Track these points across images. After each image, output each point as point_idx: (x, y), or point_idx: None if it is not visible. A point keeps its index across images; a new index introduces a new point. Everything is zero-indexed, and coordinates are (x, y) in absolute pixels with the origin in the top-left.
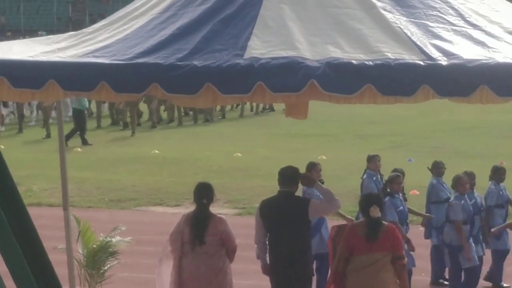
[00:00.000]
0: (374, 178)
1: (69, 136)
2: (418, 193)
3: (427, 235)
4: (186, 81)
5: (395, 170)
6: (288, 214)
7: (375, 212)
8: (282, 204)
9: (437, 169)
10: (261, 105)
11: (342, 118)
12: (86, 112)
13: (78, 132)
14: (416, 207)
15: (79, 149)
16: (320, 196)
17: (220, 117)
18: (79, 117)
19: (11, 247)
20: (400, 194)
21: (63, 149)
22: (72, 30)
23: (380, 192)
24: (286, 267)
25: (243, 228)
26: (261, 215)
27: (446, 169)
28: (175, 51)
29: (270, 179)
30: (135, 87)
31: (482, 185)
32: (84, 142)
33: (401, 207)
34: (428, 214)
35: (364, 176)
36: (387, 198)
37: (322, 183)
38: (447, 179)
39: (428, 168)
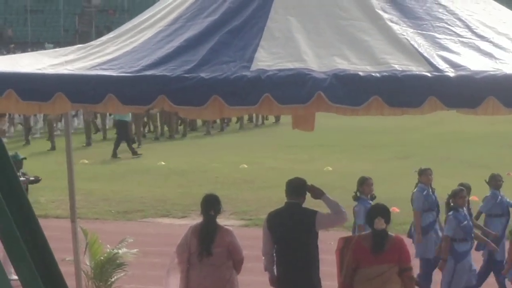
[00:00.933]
0: (424, 192)
1: (115, 149)
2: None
3: (480, 248)
4: (193, 93)
5: (461, 185)
6: (295, 226)
7: (380, 224)
8: (289, 216)
9: (494, 182)
10: (260, 117)
11: (347, 129)
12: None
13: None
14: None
15: (86, 161)
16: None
17: (219, 130)
18: (123, 128)
19: (21, 256)
20: (465, 209)
21: (70, 160)
22: (79, 42)
23: (434, 206)
24: (294, 279)
25: (250, 240)
26: (269, 227)
27: (503, 182)
28: (183, 63)
29: (276, 190)
30: (142, 99)
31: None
32: (133, 153)
33: (465, 222)
34: (494, 233)
35: (415, 190)
36: (450, 213)
37: (374, 198)
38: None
39: (485, 181)
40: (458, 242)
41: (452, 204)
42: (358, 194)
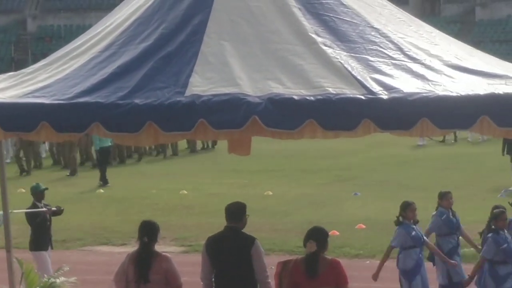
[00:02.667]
0: (444, 216)
1: (104, 175)
2: (364, 226)
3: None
4: (127, 119)
5: (496, 207)
6: (233, 251)
7: (310, 247)
8: (227, 240)
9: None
10: (208, 142)
11: (288, 154)
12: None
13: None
14: (363, 241)
15: (23, 190)
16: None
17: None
18: (106, 154)
19: None
20: (505, 231)
21: (5, 189)
22: (15, 71)
23: (455, 230)
24: None
25: (190, 266)
26: (207, 252)
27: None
28: (116, 90)
29: (217, 216)
30: (76, 126)
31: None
32: (105, 182)
33: (505, 245)
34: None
35: (434, 213)
36: (490, 235)
37: (417, 222)
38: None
39: (509, 203)
40: (499, 265)
41: (493, 226)
42: (400, 219)
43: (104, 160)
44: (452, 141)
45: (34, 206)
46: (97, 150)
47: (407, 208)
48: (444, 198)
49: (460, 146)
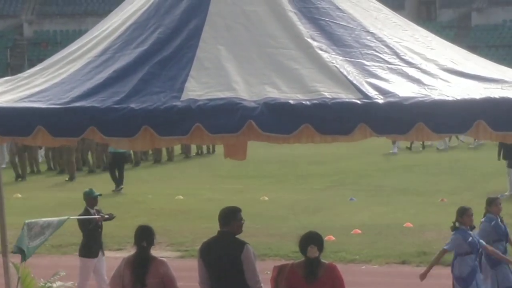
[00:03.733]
0: (493, 222)
1: (120, 180)
2: (359, 232)
3: None
4: (123, 124)
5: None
6: (225, 255)
7: (312, 252)
8: (220, 245)
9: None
10: (205, 147)
11: (283, 159)
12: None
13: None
14: (358, 246)
15: (19, 195)
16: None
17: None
18: (121, 159)
19: None
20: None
21: (1, 195)
22: (11, 76)
23: (503, 236)
24: None
25: (186, 271)
26: (202, 257)
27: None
28: (112, 94)
29: (212, 221)
30: (72, 131)
31: (424, 221)
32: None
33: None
34: None
35: (483, 219)
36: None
37: (473, 228)
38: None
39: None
40: None
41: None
42: (457, 224)
43: (117, 165)
44: (420, 149)
45: (86, 212)
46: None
47: (464, 214)
48: (493, 204)
49: (455, 151)
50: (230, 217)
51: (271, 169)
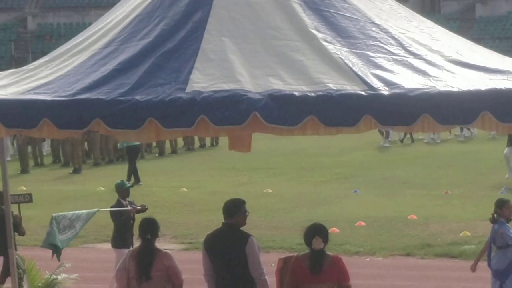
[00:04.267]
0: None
1: (136, 174)
2: (364, 224)
3: None
4: (128, 116)
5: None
6: (229, 247)
7: (317, 243)
8: (224, 237)
9: None
10: (208, 139)
11: (287, 151)
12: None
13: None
14: (363, 239)
15: (24, 188)
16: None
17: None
18: (135, 153)
19: None
20: None
21: (6, 188)
22: (15, 69)
23: None
24: None
25: (190, 263)
26: (206, 249)
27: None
28: (117, 86)
29: (216, 213)
30: (77, 123)
31: (428, 213)
32: (132, 180)
33: None
34: None
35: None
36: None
37: (510, 220)
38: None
39: None
40: None
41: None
42: (495, 216)
43: (132, 158)
44: (410, 142)
45: (118, 203)
46: (123, 148)
47: (503, 206)
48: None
49: (459, 143)
50: (235, 209)
51: (274, 161)
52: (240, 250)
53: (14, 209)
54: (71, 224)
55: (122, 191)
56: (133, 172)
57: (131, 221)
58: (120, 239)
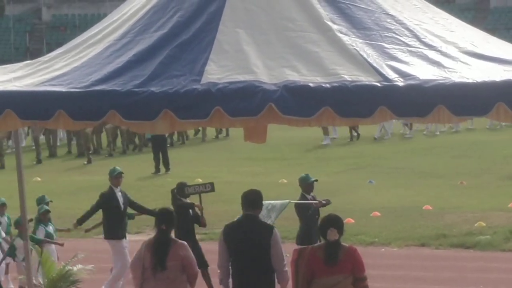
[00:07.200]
0: None
1: (158, 164)
2: (379, 214)
3: None
4: (143, 107)
5: None
6: (251, 238)
7: (332, 234)
8: (245, 228)
9: None
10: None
11: (302, 142)
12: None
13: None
14: (378, 229)
15: (39, 179)
16: None
17: (180, 143)
18: (161, 142)
19: None
20: None
21: (21, 179)
22: (30, 60)
23: None
24: None
25: (205, 254)
26: (225, 239)
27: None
28: (132, 78)
29: (232, 204)
30: (92, 114)
31: (443, 204)
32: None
33: None
34: None
35: None
36: None
37: None
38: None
39: None
40: None
41: None
42: None
43: (158, 148)
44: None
45: (303, 198)
46: (148, 138)
47: None
48: None
49: (474, 133)
50: (259, 201)
51: (289, 151)
52: (264, 241)
53: (195, 199)
54: (268, 214)
55: (306, 185)
56: (157, 161)
57: (316, 216)
58: (306, 235)
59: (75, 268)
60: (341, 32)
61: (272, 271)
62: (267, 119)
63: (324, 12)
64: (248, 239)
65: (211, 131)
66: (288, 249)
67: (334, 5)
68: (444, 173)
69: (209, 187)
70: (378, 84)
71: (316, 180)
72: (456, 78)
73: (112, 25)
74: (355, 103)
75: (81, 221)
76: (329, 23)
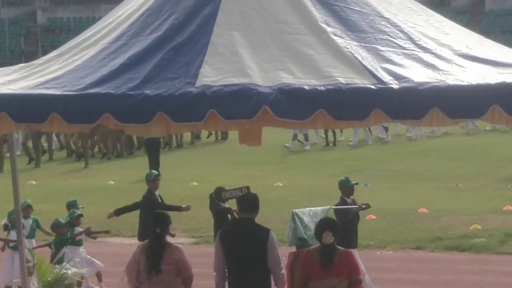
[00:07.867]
0: None
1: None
2: (374, 217)
3: None
4: (138, 110)
5: None
6: (247, 241)
7: (327, 238)
8: (242, 231)
9: None
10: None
11: (297, 145)
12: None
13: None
14: (373, 232)
15: (34, 182)
16: None
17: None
18: (155, 145)
19: None
20: None
21: (16, 182)
22: (25, 63)
23: None
24: None
25: (201, 257)
26: (221, 242)
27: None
28: (127, 81)
29: None
30: (87, 117)
31: (439, 207)
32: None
33: None
34: None
35: None
36: None
37: None
38: (410, 200)
39: None
40: None
41: None
42: None
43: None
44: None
45: (342, 201)
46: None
47: None
48: None
49: (470, 136)
50: (256, 205)
51: (284, 154)
52: (261, 244)
53: (232, 204)
54: (312, 220)
55: (347, 188)
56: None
57: (356, 220)
58: (349, 240)
59: (69, 272)
60: (336, 35)
61: (268, 274)
62: (262, 122)
63: (319, 15)
64: (245, 242)
65: (205, 134)
66: (284, 253)
67: (328, 7)
68: (439, 176)
69: (245, 191)
70: (373, 87)
71: (357, 183)
72: (451, 80)
73: (106, 28)
74: (350, 106)
75: (119, 212)
76: (324, 25)
